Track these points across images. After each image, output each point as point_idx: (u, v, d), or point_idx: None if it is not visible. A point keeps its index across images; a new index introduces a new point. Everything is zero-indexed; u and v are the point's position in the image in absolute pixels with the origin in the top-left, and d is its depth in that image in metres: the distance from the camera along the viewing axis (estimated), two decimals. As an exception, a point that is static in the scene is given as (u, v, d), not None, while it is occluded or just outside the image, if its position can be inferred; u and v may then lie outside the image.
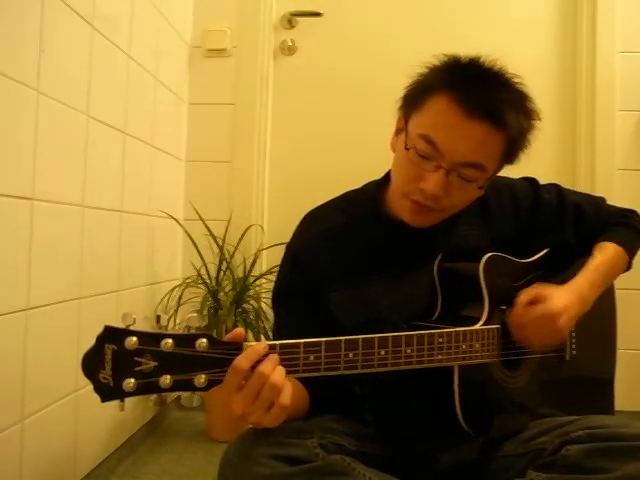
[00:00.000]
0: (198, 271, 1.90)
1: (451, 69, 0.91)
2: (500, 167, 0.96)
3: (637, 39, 2.00)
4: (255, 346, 0.72)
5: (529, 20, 2.11)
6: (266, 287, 1.92)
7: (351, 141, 2.10)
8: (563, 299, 0.92)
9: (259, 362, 0.72)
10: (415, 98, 0.92)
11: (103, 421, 1.49)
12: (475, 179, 0.90)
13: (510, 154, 0.93)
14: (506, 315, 0.93)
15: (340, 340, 0.76)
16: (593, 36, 2.01)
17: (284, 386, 0.73)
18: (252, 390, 0.70)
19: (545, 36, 2.11)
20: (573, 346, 1.04)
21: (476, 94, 0.86)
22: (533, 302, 0.91)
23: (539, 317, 0.90)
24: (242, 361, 0.70)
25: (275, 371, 0.72)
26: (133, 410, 1.69)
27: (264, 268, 2.01)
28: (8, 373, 1.10)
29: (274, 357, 0.73)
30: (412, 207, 0.93)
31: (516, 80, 0.91)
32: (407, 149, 0.90)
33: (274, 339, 0.79)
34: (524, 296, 0.92)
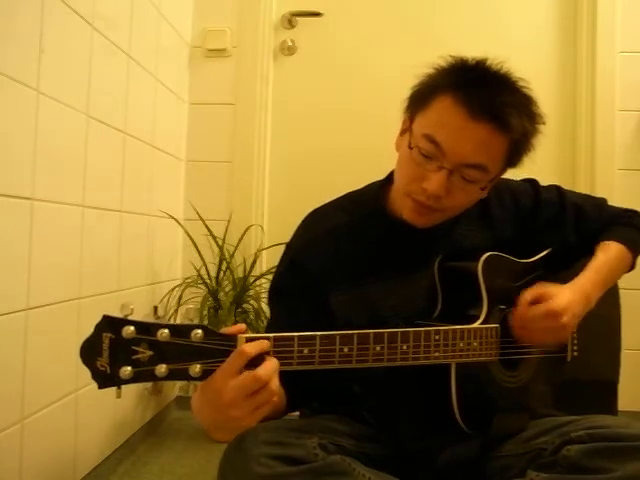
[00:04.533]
0: (198, 271, 1.90)
1: (457, 70, 0.91)
2: (503, 170, 0.96)
3: (637, 39, 2.00)
4: (262, 341, 0.72)
5: (529, 20, 2.10)
6: (266, 287, 1.92)
7: (351, 141, 2.09)
8: (566, 297, 0.92)
9: (262, 361, 0.71)
10: (420, 98, 0.93)
11: (103, 421, 1.48)
12: (477, 180, 0.90)
13: (513, 157, 0.93)
14: (508, 314, 0.93)
15: (335, 334, 0.77)
16: (593, 36, 2.01)
17: (276, 394, 0.72)
18: (251, 387, 0.70)
19: (545, 36, 2.10)
20: (575, 347, 1.04)
21: (481, 96, 0.86)
22: (536, 301, 0.91)
23: (542, 315, 0.90)
24: (248, 347, 0.70)
25: (275, 376, 0.72)
26: (133, 410, 1.68)
27: (264, 268, 2.01)
28: (8, 373, 1.10)
29: (275, 361, 0.72)
30: (414, 206, 0.93)
31: (521, 83, 0.91)
32: (410, 148, 0.91)
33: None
34: (527, 295, 0.92)
